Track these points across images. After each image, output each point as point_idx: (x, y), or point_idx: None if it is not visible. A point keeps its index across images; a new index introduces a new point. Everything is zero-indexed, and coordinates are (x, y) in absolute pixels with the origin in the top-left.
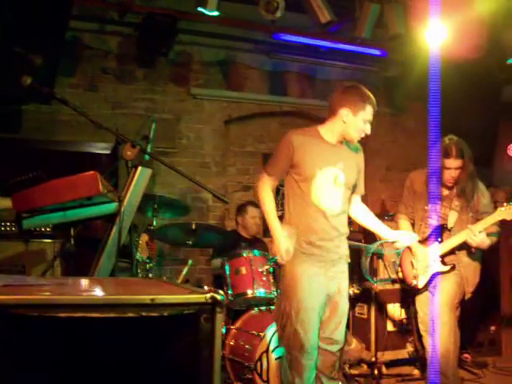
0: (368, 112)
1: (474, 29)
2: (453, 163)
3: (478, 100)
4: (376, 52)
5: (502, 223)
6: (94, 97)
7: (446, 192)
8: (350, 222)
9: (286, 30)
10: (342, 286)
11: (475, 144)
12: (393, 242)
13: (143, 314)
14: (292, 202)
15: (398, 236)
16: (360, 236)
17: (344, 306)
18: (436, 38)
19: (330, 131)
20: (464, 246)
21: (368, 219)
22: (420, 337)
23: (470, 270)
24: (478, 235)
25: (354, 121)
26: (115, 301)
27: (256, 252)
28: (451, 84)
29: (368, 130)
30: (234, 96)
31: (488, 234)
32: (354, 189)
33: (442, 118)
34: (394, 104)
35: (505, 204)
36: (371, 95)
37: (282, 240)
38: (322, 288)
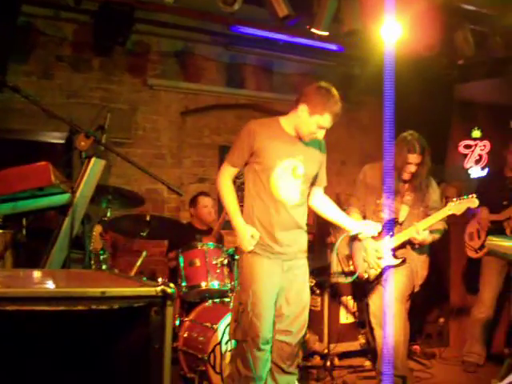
0: (325, 119)
1: (428, 27)
2: (416, 159)
3: (431, 97)
4: (333, 47)
5: (455, 219)
6: (49, 85)
7: (398, 186)
8: None
9: (243, 22)
10: (300, 279)
11: (428, 140)
12: (356, 234)
13: (93, 307)
14: (251, 192)
15: (361, 227)
16: (314, 229)
17: (303, 298)
18: (391, 34)
19: (289, 123)
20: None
21: (330, 211)
22: (371, 329)
23: (419, 264)
24: (422, 233)
25: (308, 120)
26: (65, 294)
27: (211, 244)
28: (406, 81)
29: (319, 136)
30: (191, 87)
31: (432, 231)
32: (313, 181)
33: (397, 113)
34: (350, 99)
35: (454, 199)
36: (337, 106)
37: (246, 227)
38: (279, 280)
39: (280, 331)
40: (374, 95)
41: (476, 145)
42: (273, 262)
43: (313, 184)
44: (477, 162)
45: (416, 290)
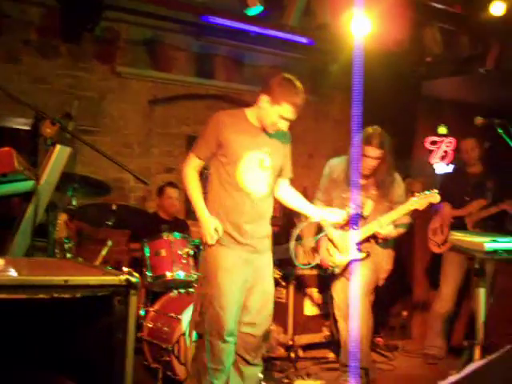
0: (285, 110)
1: (397, 23)
2: (372, 152)
3: (399, 93)
4: (303, 40)
5: (419, 214)
6: (14, 70)
7: (363, 181)
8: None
9: (215, 12)
10: (265, 272)
11: (395, 135)
12: (320, 221)
13: (55, 295)
14: (217, 184)
15: (325, 213)
16: (280, 221)
17: (268, 290)
18: (360, 29)
19: (253, 114)
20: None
21: (295, 200)
22: (335, 321)
23: (384, 258)
24: (386, 227)
25: (269, 111)
26: (26, 282)
27: (176, 234)
28: (374, 76)
29: (282, 127)
30: (160, 76)
31: (396, 226)
32: (279, 173)
33: (365, 108)
34: (320, 92)
35: (417, 194)
36: (298, 97)
37: (210, 219)
38: (244, 272)
39: (244, 323)
40: (343, 89)
41: (442, 141)
42: (237, 254)
43: (278, 176)
44: (442, 158)
45: (380, 283)
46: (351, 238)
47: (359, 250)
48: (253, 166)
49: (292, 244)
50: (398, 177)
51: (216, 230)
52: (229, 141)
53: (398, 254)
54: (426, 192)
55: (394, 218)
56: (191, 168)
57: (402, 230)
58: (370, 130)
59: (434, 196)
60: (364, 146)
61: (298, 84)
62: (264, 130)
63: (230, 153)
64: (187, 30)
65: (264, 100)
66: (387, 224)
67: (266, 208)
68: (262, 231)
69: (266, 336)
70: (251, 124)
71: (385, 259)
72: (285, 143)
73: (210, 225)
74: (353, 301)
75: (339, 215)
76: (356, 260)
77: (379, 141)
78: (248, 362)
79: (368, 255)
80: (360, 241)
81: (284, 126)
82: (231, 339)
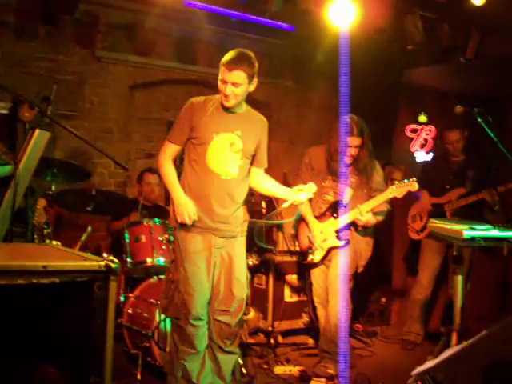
0: (221, 72)
1: (379, 11)
2: (353, 141)
3: (380, 81)
4: (284, 26)
5: (399, 202)
6: None
7: (342, 167)
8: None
9: None
10: (236, 257)
11: (375, 123)
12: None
13: (34, 281)
14: (189, 167)
15: (296, 192)
16: (260, 207)
17: (240, 277)
18: (343, 16)
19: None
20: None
21: (268, 185)
22: (314, 308)
23: (363, 245)
24: (365, 215)
25: (218, 83)
26: (5, 267)
27: (156, 220)
28: (355, 64)
29: (225, 90)
30: (141, 61)
31: (375, 213)
32: (252, 159)
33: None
34: (301, 79)
35: (396, 182)
36: (229, 55)
37: (186, 200)
38: (213, 257)
39: (218, 311)
40: (325, 76)
41: (422, 129)
42: (206, 238)
43: (253, 164)
44: (422, 146)
45: (359, 270)
46: (330, 226)
47: (339, 237)
48: (223, 148)
49: (257, 226)
50: (376, 164)
51: (193, 212)
52: (200, 123)
53: (378, 241)
54: (405, 180)
55: (373, 205)
56: (166, 155)
57: (380, 218)
58: (347, 119)
59: (412, 184)
60: (346, 137)
61: (239, 50)
62: (239, 114)
63: (201, 135)
64: (168, 15)
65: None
66: (366, 211)
67: (237, 192)
68: (233, 215)
69: (241, 323)
70: (224, 107)
71: (364, 246)
72: (260, 129)
73: (187, 206)
74: (332, 287)
75: (309, 190)
76: (336, 247)
77: (358, 129)
78: (223, 350)
79: (347, 243)
80: (339, 228)
81: (229, 90)
82: (199, 323)
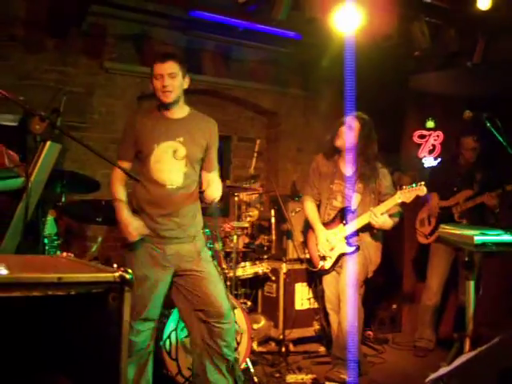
0: (155, 68)
1: (386, 18)
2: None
3: (386, 87)
4: (290, 34)
5: (407, 205)
6: (1, 65)
7: (348, 172)
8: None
9: (202, 7)
10: (193, 261)
11: (383, 129)
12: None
13: (50, 292)
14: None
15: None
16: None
17: (205, 275)
18: (349, 23)
19: (161, 106)
20: (366, 227)
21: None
22: (326, 315)
23: (372, 250)
24: (380, 217)
25: (153, 85)
26: (21, 279)
27: None
28: (362, 70)
29: (164, 82)
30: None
31: (390, 215)
32: (201, 164)
33: (354, 102)
34: (308, 87)
35: (404, 187)
36: (160, 53)
37: (129, 219)
38: (160, 265)
39: (197, 311)
40: (332, 84)
41: (430, 135)
42: (153, 247)
43: (202, 169)
44: (430, 152)
45: (369, 275)
46: (340, 233)
47: (348, 243)
48: (166, 157)
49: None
50: (383, 169)
51: (137, 229)
52: (141, 135)
53: (388, 247)
54: (413, 185)
55: (382, 210)
56: (115, 173)
57: (397, 219)
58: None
59: (420, 189)
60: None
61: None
62: (181, 119)
63: (144, 147)
64: (175, 25)
65: (151, 85)
66: (381, 213)
67: (184, 199)
68: (182, 223)
69: (229, 319)
70: (163, 116)
71: (374, 251)
72: (207, 133)
73: (130, 225)
74: (343, 294)
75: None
76: (346, 254)
77: (359, 118)
78: (216, 352)
79: (357, 249)
80: (349, 234)
81: (164, 81)
82: (140, 327)
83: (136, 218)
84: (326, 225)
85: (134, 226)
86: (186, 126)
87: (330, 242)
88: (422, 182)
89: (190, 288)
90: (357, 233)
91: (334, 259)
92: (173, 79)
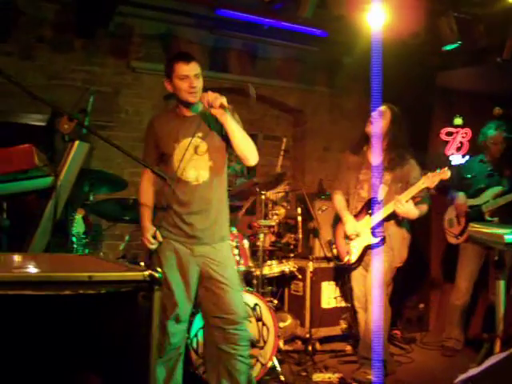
0: (179, 69)
1: (413, 14)
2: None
3: (413, 84)
4: (317, 32)
5: (434, 205)
6: (29, 66)
7: (376, 161)
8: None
9: (228, 5)
10: (221, 263)
11: (410, 127)
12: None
13: (81, 291)
14: (162, 182)
15: None
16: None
17: (229, 284)
18: (376, 21)
19: (179, 106)
20: (391, 217)
21: None
22: (354, 313)
23: (398, 241)
24: (405, 204)
25: (174, 85)
26: (52, 278)
27: None
28: (389, 67)
29: (192, 83)
30: None
31: (417, 203)
32: (227, 149)
33: (381, 99)
34: (334, 85)
35: (428, 173)
36: (181, 53)
37: (148, 226)
38: (188, 266)
39: (214, 318)
40: (358, 81)
41: (457, 132)
42: (182, 247)
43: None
44: (458, 149)
45: (397, 265)
46: (366, 224)
47: (374, 234)
48: (188, 154)
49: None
50: (412, 160)
51: (154, 237)
52: (161, 137)
53: (415, 247)
54: (437, 170)
55: (407, 197)
56: (143, 179)
57: (425, 207)
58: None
59: (444, 173)
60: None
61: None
62: (197, 116)
63: (165, 148)
64: (201, 24)
65: (167, 86)
66: (406, 201)
67: (211, 194)
68: (213, 222)
69: (244, 325)
70: (181, 115)
71: (399, 242)
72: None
73: (147, 232)
74: (372, 292)
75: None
76: (372, 246)
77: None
78: (232, 356)
79: (383, 239)
80: (375, 225)
81: (192, 82)
82: (173, 329)
83: (153, 227)
84: (354, 218)
85: (150, 233)
86: (202, 121)
87: (357, 228)
88: (446, 167)
89: (210, 295)
90: (381, 224)
91: (359, 252)
92: (198, 79)
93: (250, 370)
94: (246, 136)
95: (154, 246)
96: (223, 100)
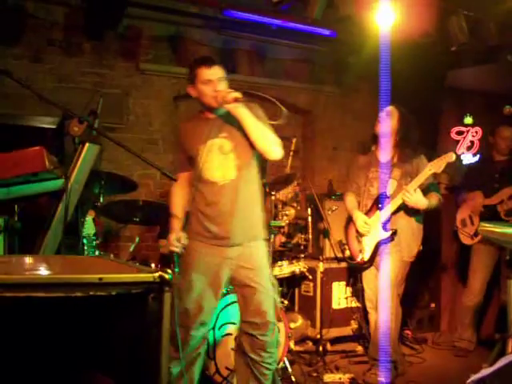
0: (202, 73)
1: (422, 13)
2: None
3: (423, 83)
4: (326, 32)
5: (445, 205)
6: (39, 69)
7: (385, 158)
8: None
9: (236, 6)
10: (251, 267)
11: (420, 126)
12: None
13: (91, 293)
14: (193, 187)
15: None
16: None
17: (260, 286)
18: (385, 20)
19: (204, 109)
20: (400, 210)
21: None
22: (366, 313)
23: (407, 233)
24: (414, 194)
25: (198, 90)
26: (63, 280)
27: None
28: (398, 67)
29: (217, 87)
30: (184, 72)
31: (426, 192)
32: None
33: (389, 99)
34: (343, 84)
35: (434, 159)
36: (203, 57)
37: (174, 230)
38: (219, 268)
39: (245, 322)
40: (367, 81)
41: (468, 131)
42: (213, 250)
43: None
44: (468, 148)
45: (406, 259)
46: (376, 219)
47: (385, 229)
48: (212, 154)
49: None
50: (422, 156)
51: (178, 240)
52: (187, 141)
53: (426, 245)
54: (443, 155)
55: (415, 186)
56: (175, 185)
57: (433, 201)
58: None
59: (449, 156)
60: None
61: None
62: (220, 117)
63: (192, 151)
64: (209, 25)
65: (191, 91)
66: (414, 190)
67: (239, 193)
68: (244, 221)
69: (273, 331)
70: (204, 118)
71: (409, 235)
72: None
73: (171, 234)
74: (383, 292)
75: None
76: (384, 240)
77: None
78: (257, 363)
79: (394, 233)
80: (385, 220)
81: (222, 86)
82: (196, 332)
83: (179, 231)
84: (365, 215)
85: (174, 236)
86: (226, 121)
87: (369, 224)
88: (451, 152)
89: (240, 298)
90: (391, 217)
91: (372, 249)
92: (221, 83)
93: (276, 373)
94: (264, 130)
95: (177, 249)
96: (236, 94)
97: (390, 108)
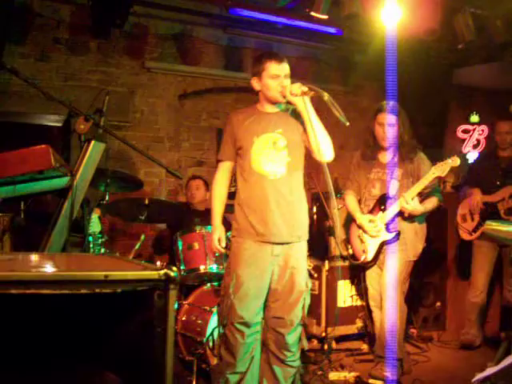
0: (271, 68)
1: (429, 11)
2: (385, 119)
3: (429, 81)
4: (331, 30)
5: (451, 203)
6: (46, 67)
7: (385, 158)
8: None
9: (242, 4)
10: (296, 265)
11: (426, 124)
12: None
13: (97, 290)
14: (240, 178)
15: None
16: (311, 213)
17: (296, 285)
18: (391, 18)
19: (261, 102)
20: (402, 212)
21: None
22: (370, 312)
23: (410, 234)
24: (410, 202)
25: (264, 83)
26: (69, 277)
27: (209, 227)
28: (404, 65)
29: (284, 82)
30: (189, 70)
31: (427, 194)
32: (304, 147)
33: (396, 97)
34: (349, 83)
35: (438, 163)
36: (272, 53)
37: (217, 229)
38: (268, 265)
39: (272, 318)
40: (373, 79)
41: (474, 129)
42: (260, 246)
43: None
44: (474, 146)
45: (411, 259)
46: (379, 220)
47: (389, 230)
48: (266, 149)
49: None
50: (422, 155)
51: (219, 241)
52: (241, 133)
53: (431, 243)
54: (448, 159)
55: (417, 190)
56: (217, 176)
57: (429, 206)
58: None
59: (454, 160)
60: (376, 116)
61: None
62: (277, 113)
63: (243, 143)
64: (215, 23)
65: (255, 83)
66: (411, 198)
67: (289, 190)
68: (291, 219)
69: (298, 333)
70: (262, 112)
71: (412, 236)
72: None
73: (214, 234)
74: (387, 291)
75: None
76: (388, 241)
77: (391, 108)
78: (280, 360)
79: (398, 234)
80: (389, 221)
81: (284, 81)
82: (248, 331)
83: (221, 231)
84: (369, 212)
85: (216, 236)
86: (282, 118)
87: (374, 222)
88: (456, 155)
89: (275, 295)
90: (394, 218)
91: (375, 249)
92: (287, 80)
93: (298, 371)
94: (323, 129)
95: (221, 251)
96: (306, 88)
97: (386, 115)
